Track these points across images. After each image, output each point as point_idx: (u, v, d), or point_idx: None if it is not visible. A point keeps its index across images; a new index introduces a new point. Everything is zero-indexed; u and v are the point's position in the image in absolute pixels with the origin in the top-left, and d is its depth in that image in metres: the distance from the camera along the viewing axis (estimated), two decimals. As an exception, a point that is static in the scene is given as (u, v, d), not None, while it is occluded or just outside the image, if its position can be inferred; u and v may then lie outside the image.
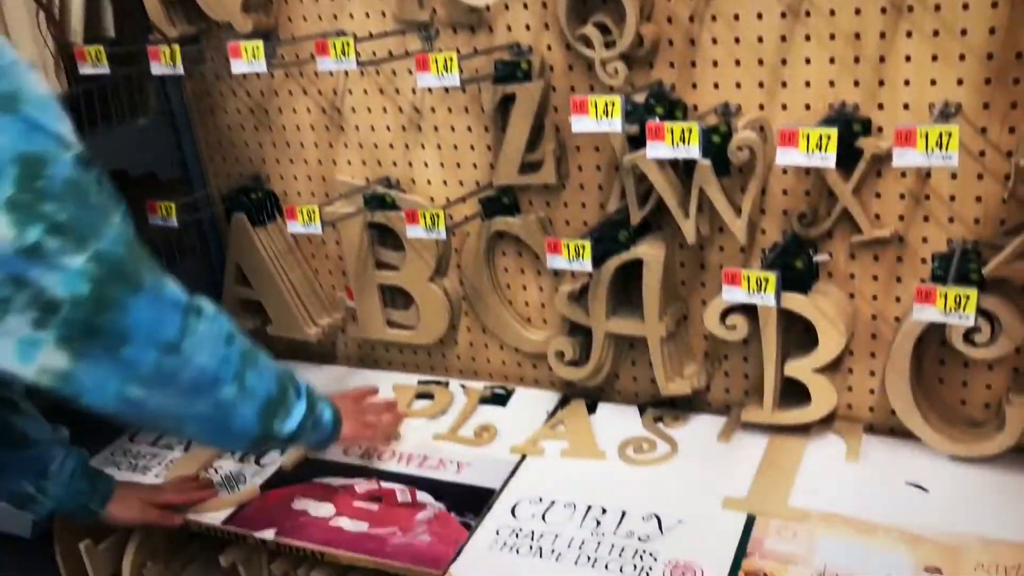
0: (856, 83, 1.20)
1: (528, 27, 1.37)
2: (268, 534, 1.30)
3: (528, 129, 1.38)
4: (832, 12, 1.18)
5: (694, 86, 1.30)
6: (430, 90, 1.47)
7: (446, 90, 1.45)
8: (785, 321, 1.31)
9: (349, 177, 1.61)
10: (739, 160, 1.20)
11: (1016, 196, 1.14)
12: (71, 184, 0.81)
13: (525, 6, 1.36)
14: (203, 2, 1.50)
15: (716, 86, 1.28)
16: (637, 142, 1.26)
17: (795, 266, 1.24)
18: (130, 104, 1.62)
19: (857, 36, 1.18)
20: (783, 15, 1.21)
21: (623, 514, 1.27)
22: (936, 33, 1.14)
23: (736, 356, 1.46)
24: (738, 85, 1.27)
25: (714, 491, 1.29)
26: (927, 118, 1.15)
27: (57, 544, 1.48)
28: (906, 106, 1.19)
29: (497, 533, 1.26)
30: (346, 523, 1.31)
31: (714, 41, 1.26)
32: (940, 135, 0.97)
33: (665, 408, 1.52)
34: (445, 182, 1.54)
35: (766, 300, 1.13)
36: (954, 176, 1.20)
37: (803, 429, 1.39)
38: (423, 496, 1.36)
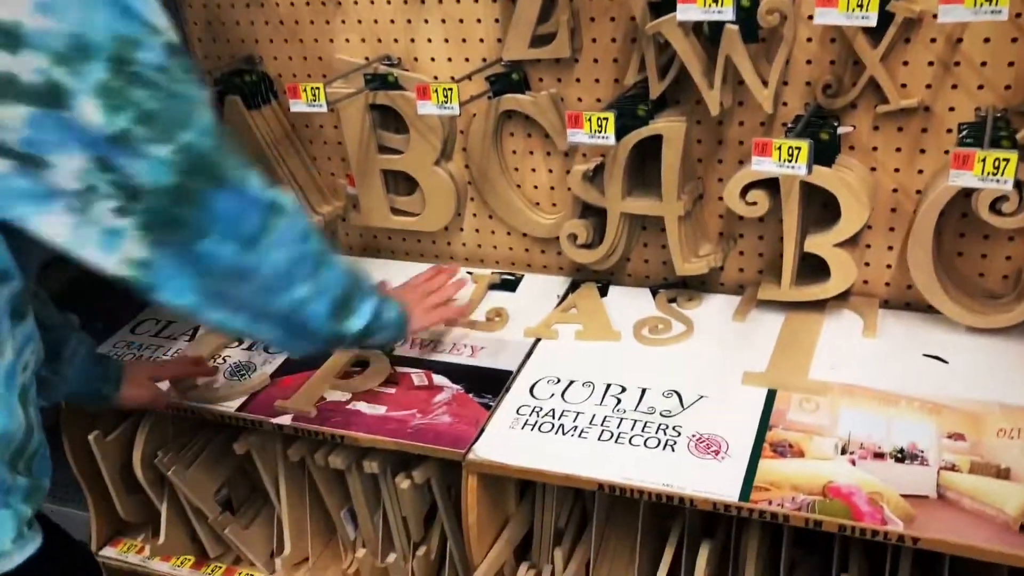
0: (889, -58, 1.15)
1: None
2: (285, 419, 1.29)
3: (540, -2, 1.32)
4: None
5: (717, -51, 1.24)
6: (434, -41, 1.39)
7: (451, -42, 1.37)
8: (805, 196, 1.29)
9: (348, 56, 1.54)
10: (769, 25, 1.15)
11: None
12: (162, 72, 0.77)
13: None
14: None
15: (741, -51, 1.23)
16: (658, 9, 1.21)
17: (821, 138, 1.21)
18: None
19: None
20: None
21: (643, 391, 1.27)
22: None
23: (751, 235, 1.44)
24: (764, -53, 1.21)
25: (733, 368, 1.29)
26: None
27: (65, 437, 1.46)
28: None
29: (518, 412, 1.25)
30: (364, 407, 1.30)
31: (740, -101, 1.19)
32: (988, -11, 0.93)
33: (678, 289, 1.51)
34: (450, 59, 1.48)
35: (797, 170, 1.10)
36: (987, 40, 1.16)
37: (819, 306, 1.39)
38: (439, 379, 1.35)
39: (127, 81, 0.75)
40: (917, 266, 1.27)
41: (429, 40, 1.48)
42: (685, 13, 1.06)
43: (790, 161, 1.11)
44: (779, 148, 1.10)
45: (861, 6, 1.00)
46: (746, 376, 1.27)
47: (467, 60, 1.46)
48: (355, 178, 1.61)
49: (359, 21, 1.51)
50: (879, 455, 1.10)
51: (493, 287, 1.59)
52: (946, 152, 1.25)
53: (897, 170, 1.29)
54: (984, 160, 1.00)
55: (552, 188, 1.53)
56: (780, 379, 1.25)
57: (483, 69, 1.42)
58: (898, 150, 1.28)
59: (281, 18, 1.56)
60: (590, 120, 1.19)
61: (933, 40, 1.19)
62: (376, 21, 1.49)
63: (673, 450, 1.15)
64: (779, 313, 1.41)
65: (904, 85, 1.23)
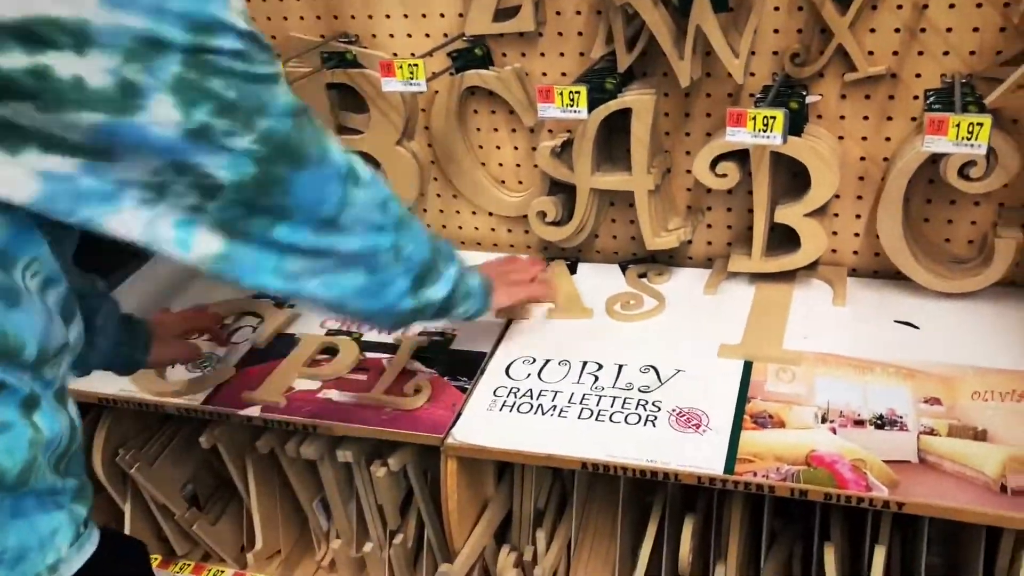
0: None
1: None
2: (253, 411, 1.25)
3: (503, -30, 1.29)
4: None
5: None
6: (391, -70, 1.35)
7: (409, -70, 1.33)
8: (775, 166, 1.29)
9: (302, 33, 1.49)
10: (739, -7, 1.14)
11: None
12: (238, 56, 0.71)
13: None
14: None
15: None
16: (625, -21, 1.19)
17: (791, 107, 1.20)
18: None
19: None
20: None
21: (620, 368, 1.26)
22: None
23: (719, 207, 1.44)
24: (729, -85, 1.20)
25: (708, 340, 1.29)
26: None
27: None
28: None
29: (495, 394, 1.23)
30: (335, 395, 1.26)
31: None
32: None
33: (647, 264, 1.50)
34: (410, 34, 1.44)
35: (772, 140, 1.10)
36: (952, 6, 1.17)
37: (788, 276, 1.39)
38: (413, 363, 1.32)
39: (203, 72, 0.69)
40: (886, 233, 1.28)
41: (387, 16, 1.43)
42: (656, -18, 1.04)
43: (765, 131, 1.10)
44: (754, 118, 1.09)
45: (835, -29, 0.99)
46: (722, 348, 1.26)
47: (428, 36, 1.43)
48: (314, 160, 1.56)
49: (313, -3, 1.46)
50: (859, 422, 1.11)
51: (460, 268, 1.56)
52: (913, 119, 1.25)
53: (864, 138, 1.29)
54: (959, 125, 1.01)
55: (518, 165, 1.51)
56: (755, 350, 1.25)
57: (445, 45, 1.39)
58: (865, 118, 1.28)
59: (231, -5, 1.50)
60: (561, 94, 1.17)
61: (899, 6, 1.19)
62: (331, -3, 1.45)
63: (654, 425, 1.14)
64: (749, 285, 1.41)
65: (871, 52, 1.23)
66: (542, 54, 1.38)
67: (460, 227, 1.60)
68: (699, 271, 1.47)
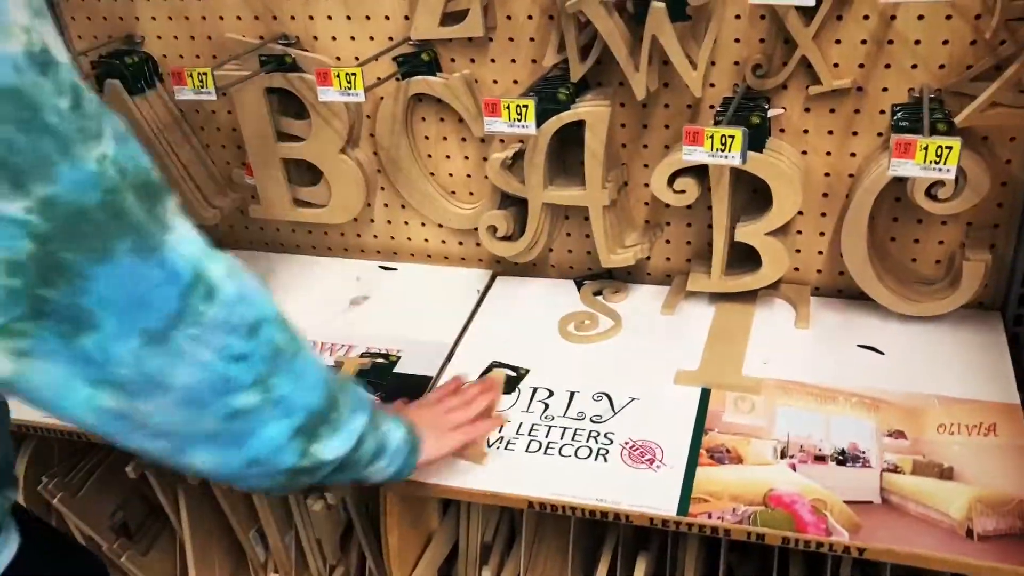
0: (820, -87, 1.08)
1: None
2: (181, 441, 1.17)
3: (450, -28, 1.21)
4: None
5: (639, -81, 1.15)
6: (331, -72, 1.26)
7: (351, -73, 1.25)
8: (735, 182, 1.22)
9: (239, 35, 1.40)
10: (697, 2, 1.07)
11: (994, 34, 1.06)
12: (12, 95, 0.54)
13: None
14: None
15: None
16: (578, -16, 1.11)
17: (752, 122, 1.14)
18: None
19: None
20: None
21: (571, 395, 1.19)
22: None
23: (678, 223, 1.37)
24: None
25: (664, 365, 1.22)
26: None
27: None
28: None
29: (439, 424, 1.16)
30: (269, 423, 1.18)
31: None
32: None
33: (603, 280, 1.43)
34: (353, 37, 1.35)
35: (731, 159, 1.03)
36: (921, 17, 1.11)
37: (749, 296, 1.33)
38: (353, 389, 1.24)
39: None
40: (850, 253, 1.22)
41: (329, 17, 1.35)
42: (608, -10, 0.96)
43: (723, 150, 1.03)
44: (711, 137, 1.02)
45: (797, -19, 0.93)
46: (679, 375, 1.20)
47: (372, 39, 1.34)
48: (253, 167, 1.48)
49: (251, -4, 1.37)
50: (820, 458, 1.05)
51: (408, 283, 1.49)
52: (879, 135, 1.20)
53: (829, 153, 1.23)
54: (927, 148, 0.95)
55: (468, 176, 1.43)
56: (713, 377, 1.19)
57: (390, 49, 1.31)
58: (830, 133, 1.22)
59: (163, -8, 1.41)
60: (508, 108, 1.10)
61: (866, 17, 1.13)
62: (270, -4, 1.36)
63: (606, 460, 1.08)
64: (709, 304, 1.35)
65: (836, 64, 1.17)
66: (492, 60, 1.30)
67: (409, 239, 1.53)
68: (657, 288, 1.41)
